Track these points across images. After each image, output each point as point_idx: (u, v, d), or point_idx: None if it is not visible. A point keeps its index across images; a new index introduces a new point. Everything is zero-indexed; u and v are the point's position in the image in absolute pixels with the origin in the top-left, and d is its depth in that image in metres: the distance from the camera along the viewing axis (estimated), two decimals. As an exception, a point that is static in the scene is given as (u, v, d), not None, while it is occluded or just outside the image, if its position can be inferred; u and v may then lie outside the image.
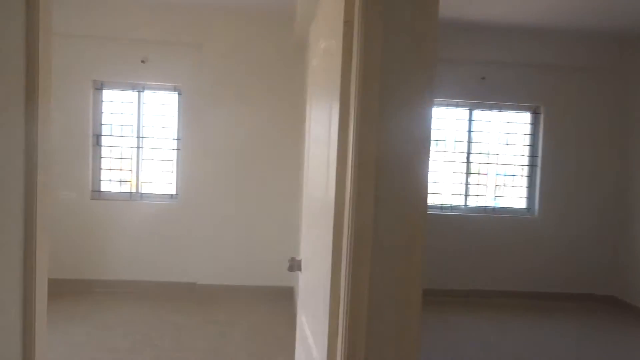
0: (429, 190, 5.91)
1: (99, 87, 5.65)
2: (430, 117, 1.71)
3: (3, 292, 1.53)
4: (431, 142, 1.74)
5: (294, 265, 2.46)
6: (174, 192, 5.82)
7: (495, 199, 6.29)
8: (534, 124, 6.17)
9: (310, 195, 2.38)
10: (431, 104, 1.72)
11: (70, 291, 5.46)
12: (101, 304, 5.18)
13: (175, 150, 5.79)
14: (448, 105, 6.07)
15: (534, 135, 6.17)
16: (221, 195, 5.68)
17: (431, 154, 6.39)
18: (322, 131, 2.09)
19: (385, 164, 1.68)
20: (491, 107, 6.10)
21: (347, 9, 1.71)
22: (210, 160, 5.65)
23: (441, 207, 6.11)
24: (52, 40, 1.62)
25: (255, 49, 5.61)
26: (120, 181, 5.83)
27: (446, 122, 6.11)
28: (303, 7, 4.02)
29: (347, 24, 1.72)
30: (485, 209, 6.15)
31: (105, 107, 5.73)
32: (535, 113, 6.15)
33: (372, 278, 1.70)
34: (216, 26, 5.57)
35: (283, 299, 5.53)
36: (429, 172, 1.69)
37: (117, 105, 5.75)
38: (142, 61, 5.56)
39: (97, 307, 5.10)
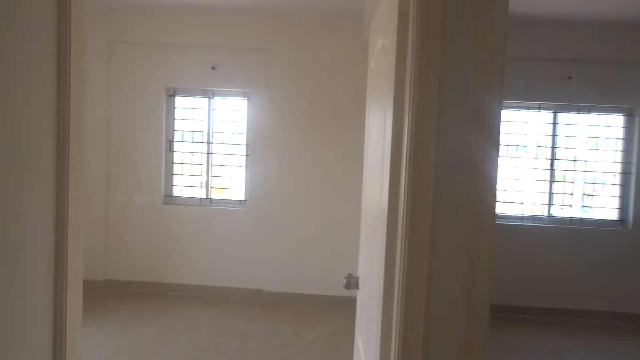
0: (507, 199, 5.54)
1: (171, 94, 5.77)
2: (499, 120, 1.51)
3: (32, 296, 1.48)
4: (500, 146, 1.53)
5: (351, 283, 2.30)
6: (243, 198, 5.82)
7: (582, 208, 5.77)
8: (628, 127, 5.59)
9: (367, 206, 2.20)
10: (500, 106, 1.51)
11: (142, 293, 5.59)
12: (170, 307, 5.25)
13: (244, 156, 5.79)
14: (529, 108, 5.65)
15: (627, 139, 5.60)
16: (289, 201, 5.61)
17: (507, 160, 5.92)
18: (377, 137, 1.92)
19: (445, 171, 1.49)
20: (578, 109, 5.61)
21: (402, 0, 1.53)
22: (278, 166, 5.60)
23: (521, 218, 5.68)
24: (88, 40, 1.56)
25: (324, 52, 5.51)
26: (191, 186, 5.92)
27: (527, 126, 5.69)
28: (369, 8, 3.86)
29: (402, 16, 1.53)
30: (571, 220, 5.65)
31: (177, 113, 5.84)
32: (629, 115, 5.58)
33: (429, 299, 1.51)
34: (285, 30, 5.52)
35: (352, 311, 5.35)
36: (497, 179, 1.49)
37: (188, 112, 5.85)
38: (213, 67, 5.61)
39: (166, 310, 5.17)
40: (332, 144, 5.54)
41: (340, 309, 5.36)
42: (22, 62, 1.38)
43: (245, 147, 5.79)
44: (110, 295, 5.49)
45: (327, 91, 5.52)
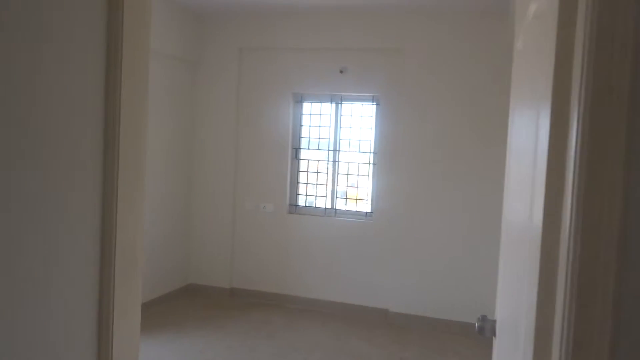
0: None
1: (298, 100, 5.61)
2: None
3: (72, 313, 1.25)
4: None
5: (485, 328, 1.81)
6: (369, 210, 5.45)
7: None
8: None
9: (509, 230, 1.70)
10: None
11: (264, 303, 5.46)
12: (290, 321, 5.04)
13: (371, 165, 5.42)
14: None
15: None
16: (419, 215, 5.11)
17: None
18: (524, 141, 1.42)
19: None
20: None
21: None
22: (408, 177, 5.13)
23: None
24: (148, 42, 1.36)
25: (460, 51, 4.96)
26: (316, 196, 5.69)
27: None
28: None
29: (569, -39, 1.04)
30: None
31: (304, 120, 5.66)
32: None
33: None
34: (417, 29, 5.08)
35: (488, 342, 4.71)
36: None
37: (315, 118, 5.64)
38: (341, 71, 5.34)
39: (286, 323, 4.97)
40: (471, 153, 4.95)
41: (477, 338, 4.74)
42: (65, 63, 1.18)
43: (372, 155, 5.42)
44: (234, 303, 5.44)
45: (465, 95, 4.96)
